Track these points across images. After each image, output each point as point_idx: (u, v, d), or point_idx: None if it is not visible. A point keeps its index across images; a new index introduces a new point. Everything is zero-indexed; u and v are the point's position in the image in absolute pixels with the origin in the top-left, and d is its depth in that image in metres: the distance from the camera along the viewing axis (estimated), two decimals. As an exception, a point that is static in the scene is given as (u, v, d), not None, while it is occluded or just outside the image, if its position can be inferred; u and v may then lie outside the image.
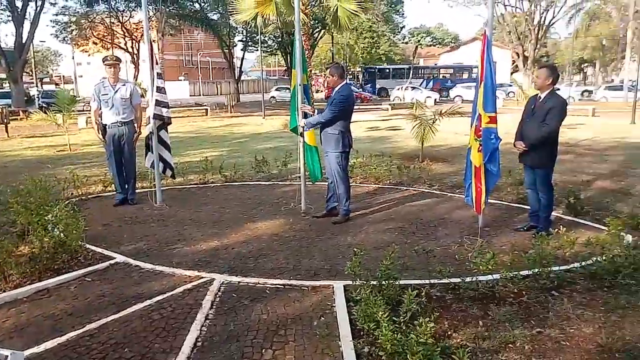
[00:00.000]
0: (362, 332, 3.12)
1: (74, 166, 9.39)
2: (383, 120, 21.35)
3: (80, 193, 7.29)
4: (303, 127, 5.83)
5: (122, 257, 4.66)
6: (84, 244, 4.73)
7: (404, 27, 75.99)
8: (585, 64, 63.23)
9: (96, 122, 6.62)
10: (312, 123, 5.69)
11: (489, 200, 5.52)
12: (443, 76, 46.90)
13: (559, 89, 5.18)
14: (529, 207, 5.55)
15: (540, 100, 5.14)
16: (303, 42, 7.70)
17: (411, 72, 44.40)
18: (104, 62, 6.50)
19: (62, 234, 4.51)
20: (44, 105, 24.03)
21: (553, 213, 5.44)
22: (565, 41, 56.62)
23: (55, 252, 4.38)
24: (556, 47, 61.29)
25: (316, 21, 28.86)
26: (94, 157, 11.21)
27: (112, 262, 4.54)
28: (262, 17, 16.96)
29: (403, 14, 74.35)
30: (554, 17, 42.63)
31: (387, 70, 48.83)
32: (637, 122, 18.05)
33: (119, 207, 6.58)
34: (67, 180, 7.27)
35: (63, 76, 67.03)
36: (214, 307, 3.61)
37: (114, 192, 6.93)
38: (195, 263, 4.53)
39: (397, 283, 3.57)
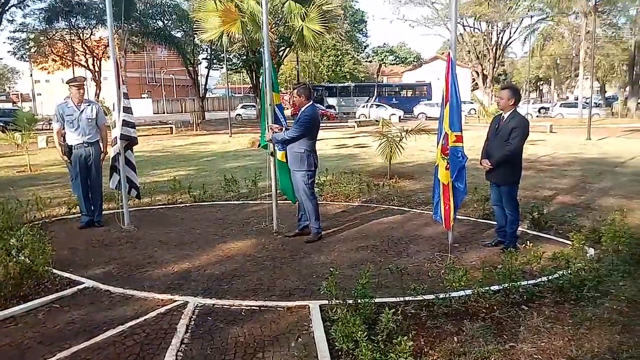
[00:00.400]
0: (340, 353, 3.13)
1: (35, 187, 9.09)
2: (350, 137, 21.56)
3: (43, 215, 7.07)
4: (272, 142, 5.87)
5: (91, 281, 4.54)
6: (51, 269, 4.59)
7: (367, 46, 77.46)
8: (541, 82, 65.60)
9: (59, 143, 6.45)
10: (277, 139, 5.76)
11: (457, 217, 5.64)
12: (388, 94, 48.18)
13: (517, 106, 5.40)
14: (495, 223, 5.70)
15: (504, 120, 5.33)
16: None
17: (375, 89, 45.17)
18: (70, 83, 6.37)
19: (27, 259, 4.36)
20: (1, 124, 23.30)
21: (518, 228, 5.61)
22: (521, 60, 58.67)
23: (21, 278, 4.25)
24: (513, 66, 63.44)
25: (282, 40, 29.08)
26: (56, 178, 10.90)
27: (80, 287, 4.42)
28: (228, 35, 17.00)
29: (366, 34, 75.86)
30: (510, 38, 44.39)
31: (334, 89, 49.95)
32: (592, 137, 18.81)
33: (85, 230, 6.42)
34: (29, 202, 7.05)
35: (21, 94, 65.13)
36: (189, 331, 3.56)
37: (79, 214, 6.75)
38: (167, 286, 4.45)
39: (373, 302, 3.60)
